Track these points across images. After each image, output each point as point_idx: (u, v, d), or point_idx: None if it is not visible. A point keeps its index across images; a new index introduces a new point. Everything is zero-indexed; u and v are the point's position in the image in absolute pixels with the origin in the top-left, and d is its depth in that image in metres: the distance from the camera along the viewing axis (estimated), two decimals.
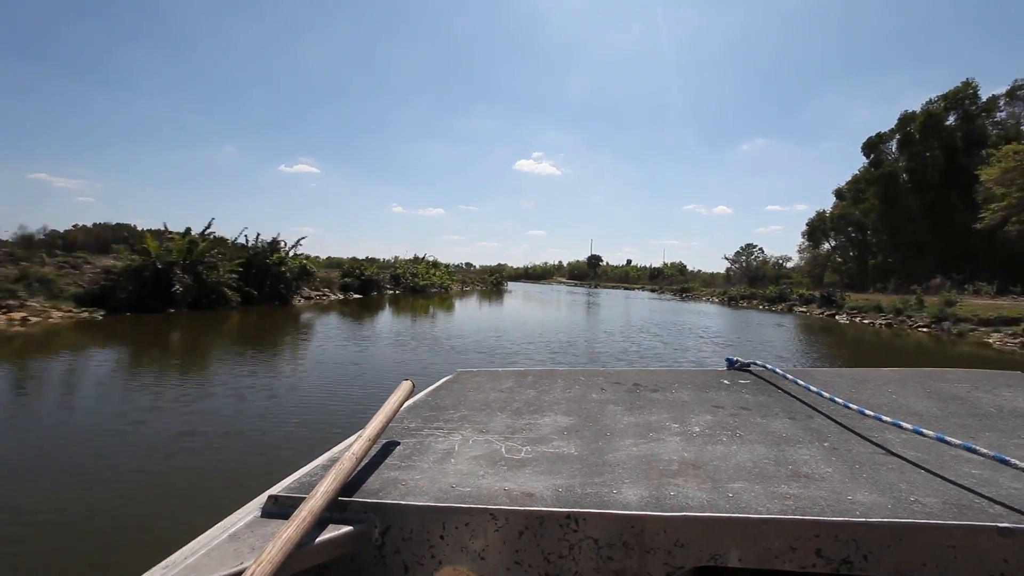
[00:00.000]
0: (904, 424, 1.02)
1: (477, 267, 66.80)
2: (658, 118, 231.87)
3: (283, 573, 0.62)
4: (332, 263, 35.01)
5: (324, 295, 25.24)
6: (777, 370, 1.50)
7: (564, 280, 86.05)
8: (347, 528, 0.76)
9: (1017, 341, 14.66)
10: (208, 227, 17.12)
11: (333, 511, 0.78)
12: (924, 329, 18.55)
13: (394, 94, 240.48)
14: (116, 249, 16.35)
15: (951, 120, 37.59)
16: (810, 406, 1.27)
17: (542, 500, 0.79)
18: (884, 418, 1.06)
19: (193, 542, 0.75)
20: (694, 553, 0.73)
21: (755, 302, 33.96)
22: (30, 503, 3.44)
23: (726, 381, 1.50)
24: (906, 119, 40.10)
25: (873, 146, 43.85)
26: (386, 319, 17.14)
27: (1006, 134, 33.32)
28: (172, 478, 3.91)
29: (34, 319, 11.72)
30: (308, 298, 23.37)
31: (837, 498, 0.78)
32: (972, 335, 16.52)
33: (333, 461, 0.86)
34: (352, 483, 0.85)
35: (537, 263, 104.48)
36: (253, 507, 0.84)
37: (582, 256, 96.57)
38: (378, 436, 0.94)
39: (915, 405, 1.28)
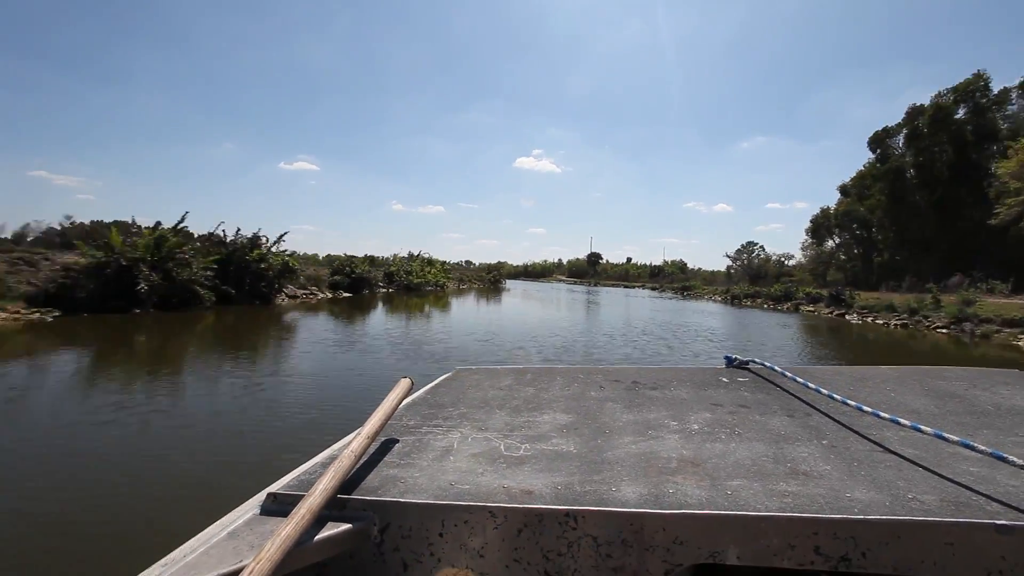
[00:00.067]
0: (902, 421, 1.01)
1: (477, 265, 65.55)
2: (658, 115, 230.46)
3: (282, 571, 0.62)
4: (332, 261, 33.92)
5: (312, 294, 24.18)
6: (776, 368, 1.50)
7: (564, 278, 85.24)
8: (346, 526, 0.76)
9: None
10: (181, 221, 16.04)
11: (332, 509, 0.78)
12: (943, 330, 17.50)
13: (394, 91, 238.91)
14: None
15: (961, 113, 36.47)
16: (809, 404, 1.26)
17: (541, 498, 0.79)
18: (882, 415, 1.05)
19: (192, 540, 0.74)
20: (693, 551, 0.73)
21: (759, 301, 32.93)
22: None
23: (725, 379, 1.50)
24: (914, 112, 39.00)
25: (879, 141, 42.77)
26: (369, 319, 16.10)
27: (1017, 128, 32.28)
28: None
29: None
30: (294, 297, 22.30)
31: (835, 495, 0.78)
32: (997, 337, 15.47)
33: (332, 459, 0.86)
34: (351, 481, 0.85)
35: (537, 261, 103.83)
36: (252, 505, 0.84)
37: (582, 254, 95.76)
38: (377, 434, 0.94)
39: (913, 403, 1.27)
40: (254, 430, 4.93)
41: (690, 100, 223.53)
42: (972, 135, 35.35)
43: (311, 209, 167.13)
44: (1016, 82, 33.99)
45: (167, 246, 14.50)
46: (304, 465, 0.96)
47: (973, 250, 34.88)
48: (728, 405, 1.26)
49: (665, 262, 76.78)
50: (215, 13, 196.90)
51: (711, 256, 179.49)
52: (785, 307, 28.99)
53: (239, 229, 18.92)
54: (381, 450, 0.99)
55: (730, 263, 61.42)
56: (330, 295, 25.10)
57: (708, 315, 23.33)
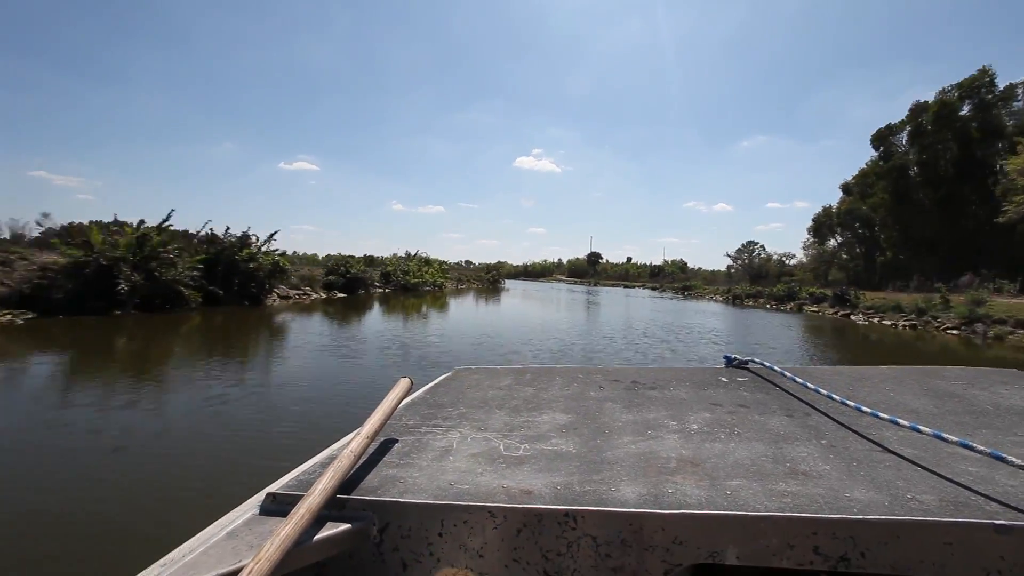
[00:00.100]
0: (901, 421, 1.01)
1: (477, 265, 65.00)
2: (658, 115, 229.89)
3: (281, 571, 0.62)
4: (329, 261, 33.38)
5: (305, 294, 23.65)
6: (775, 368, 1.49)
7: (563, 278, 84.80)
8: (345, 526, 0.76)
9: None
10: (166, 219, 15.47)
11: (331, 509, 0.77)
12: (953, 332, 16.96)
13: (394, 91, 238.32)
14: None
15: (966, 110, 35.92)
16: (808, 404, 1.26)
17: (540, 498, 0.79)
18: (881, 415, 1.05)
19: (192, 540, 0.74)
20: (692, 551, 0.73)
21: (761, 301, 32.39)
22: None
23: (724, 379, 1.49)
24: (918, 109, 38.49)
25: (883, 138, 42.25)
26: (359, 321, 15.57)
27: (1022, 125, 31.76)
28: None
29: None
30: (286, 297, 21.77)
31: (835, 495, 0.78)
32: (1011, 338, 14.94)
33: (331, 459, 0.86)
34: (350, 481, 0.84)
35: (537, 261, 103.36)
36: (251, 505, 0.83)
37: (582, 253, 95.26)
38: (376, 434, 0.94)
39: (912, 403, 1.27)
40: (191, 455, 4.39)
41: (690, 99, 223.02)
42: (977, 132, 34.83)
43: (311, 209, 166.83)
44: (1023, 78, 33.50)
45: (150, 245, 13.95)
46: (303, 465, 0.95)
47: (978, 249, 34.41)
48: (727, 405, 1.26)
49: (665, 262, 76.37)
50: (215, 13, 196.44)
51: (711, 256, 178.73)
52: (788, 307, 28.46)
53: (228, 228, 18.38)
54: (380, 450, 0.99)
55: (731, 263, 61.04)
56: (324, 296, 24.56)
57: (710, 316, 22.80)
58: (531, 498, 0.78)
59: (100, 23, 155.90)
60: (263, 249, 19.07)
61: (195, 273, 15.56)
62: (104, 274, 12.80)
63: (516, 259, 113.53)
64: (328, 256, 43.75)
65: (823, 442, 1.01)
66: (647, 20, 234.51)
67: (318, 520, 0.73)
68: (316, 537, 0.72)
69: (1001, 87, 34.23)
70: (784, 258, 56.73)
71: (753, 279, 47.09)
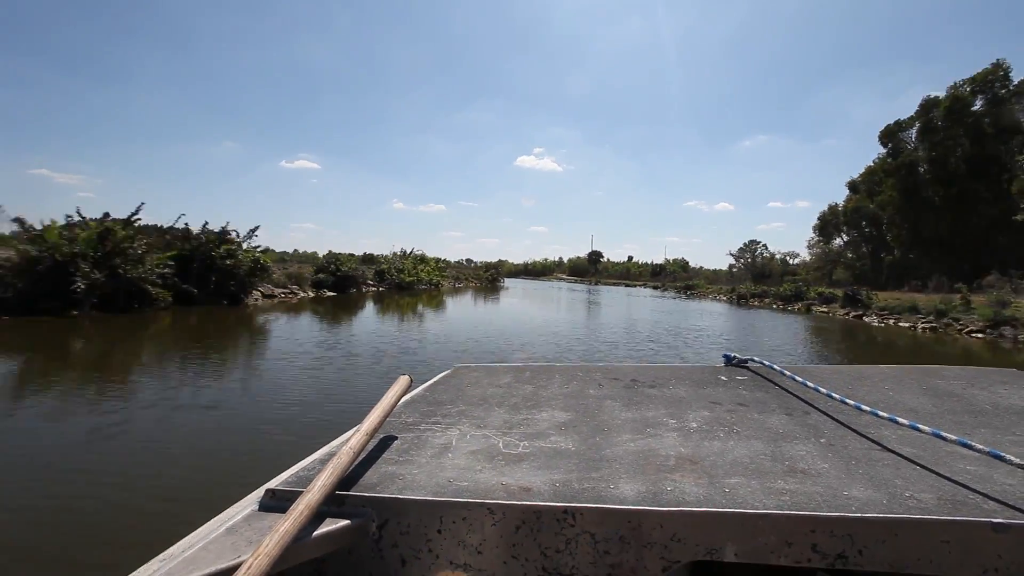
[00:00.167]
0: (900, 420, 1.01)
1: (478, 263, 63.99)
2: (659, 114, 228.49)
3: (280, 567, 0.62)
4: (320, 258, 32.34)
5: (292, 293, 22.62)
6: (775, 366, 1.49)
7: (564, 277, 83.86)
8: (344, 522, 0.76)
9: None
10: (135, 213, 14.37)
11: (330, 505, 0.78)
12: (978, 335, 15.88)
13: (395, 90, 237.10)
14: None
15: (978, 105, 34.78)
16: (807, 402, 1.26)
17: (539, 495, 0.79)
18: (880, 414, 1.06)
19: (190, 535, 0.74)
20: (691, 548, 0.73)
21: (767, 300, 31.30)
22: None
23: (723, 377, 1.50)
24: (928, 104, 37.34)
25: (891, 134, 41.11)
26: (342, 321, 14.51)
27: None
28: None
29: None
30: (271, 296, 20.72)
31: (833, 494, 0.78)
32: None
33: (330, 455, 0.86)
34: (349, 477, 0.84)
35: (537, 259, 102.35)
36: (250, 501, 0.83)
37: (583, 252, 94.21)
38: (375, 431, 0.94)
39: (911, 402, 1.27)
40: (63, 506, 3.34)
41: (691, 98, 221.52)
42: (990, 127, 33.70)
43: (312, 208, 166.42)
44: None
45: (113, 240, 12.86)
46: (303, 461, 0.95)
47: (990, 247, 33.34)
48: (727, 403, 1.26)
49: (667, 261, 75.43)
50: (216, 12, 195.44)
51: (713, 255, 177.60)
52: (796, 308, 27.37)
53: (207, 223, 17.30)
54: (380, 447, 0.99)
55: (733, 262, 60.05)
56: (312, 294, 23.52)
57: (716, 317, 21.73)
58: (530, 495, 0.79)
59: (102, 22, 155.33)
60: (244, 245, 17.98)
61: (165, 271, 14.48)
62: (60, 271, 11.72)
63: (517, 258, 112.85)
64: (329, 253, 42.62)
65: (822, 440, 1.02)
66: (648, 19, 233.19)
67: (317, 516, 0.73)
68: (315, 533, 0.72)
69: (1020, 79, 32.99)
70: (788, 257, 55.83)
71: (756, 278, 46.06)
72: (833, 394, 1.18)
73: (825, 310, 25.15)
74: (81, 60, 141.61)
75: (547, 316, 19.35)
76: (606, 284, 63.26)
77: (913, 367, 1.61)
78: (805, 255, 52.12)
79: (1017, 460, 0.81)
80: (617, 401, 1.27)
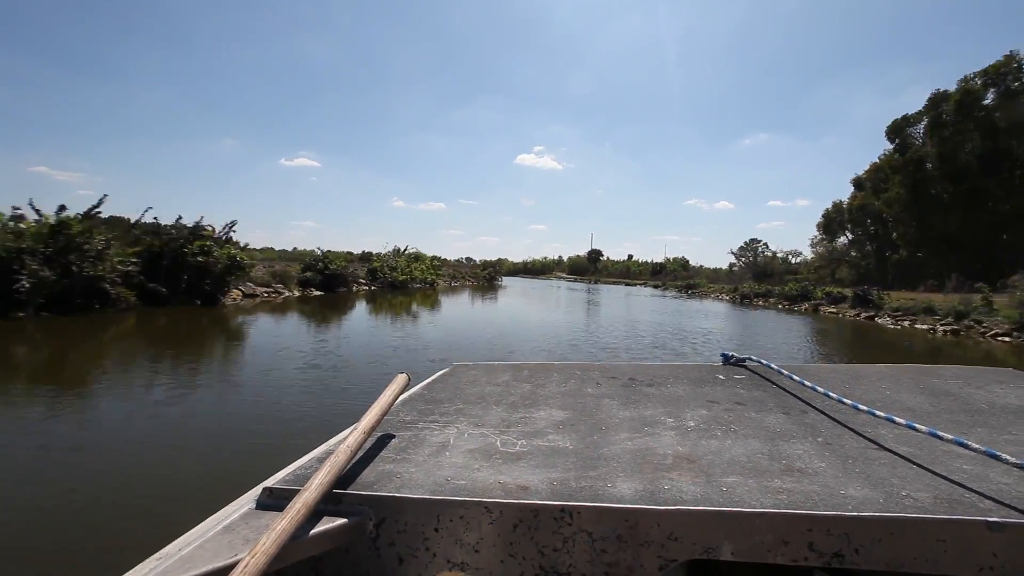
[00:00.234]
0: (897, 419, 1.02)
1: (478, 261, 62.98)
2: (659, 112, 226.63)
3: (277, 565, 0.62)
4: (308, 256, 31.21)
5: (276, 292, 21.55)
6: (772, 365, 1.51)
7: (564, 275, 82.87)
8: (342, 520, 0.76)
9: None
10: (97, 205, 13.26)
11: (328, 503, 0.78)
12: (1004, 338, 14.84)
13: (395, 88, 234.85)
14: None
15: (990, 99, 33.69)
16: (804, 401, 1.27)
17: (537, 493, 0.79)
18: (877, 413, 1.06)
19: (187, 534, 0.74)
20: (687, 546, 0.74)
21: (772, 300, 30.23)
22: None
23: (721, 376, 1.51)
24: (937, 99, 36.25)
25: (898, 130, 40.02)
26: (320, 324, 13.45)
27: None
28: None
29: None
30: (252, 296, 19.67)
31: (830, 492, 0.78)
32: None
33: (328, 454, 0.85)
34: (347, 476, 0.84)
35: (537, 258, 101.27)
36: (248, 499, 0.83)
37: (583, 251, 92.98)
38: (373, 429, 0.94)
39: (908, 401, 1.28)
40: None
41: (691, 97, 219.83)
42: (1002, 121, 32.61)
43: (312, 205, 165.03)
44: None
45: (66, 235, 11.76)
46: (300, 460, 0.94)
47: (1001, 246, 32.33)
48: (724, 402, 1.26)
49: (667, 259, 74.42)
50: (216, 9, 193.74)
51: (713, 253, 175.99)
52: (803, 308, 26.32)
53: (180, 217, 16.21)
54: (377, 445, 0.98)
55: (734, 260, 59.04)
56: (298, 294, 22.46)
57: (722, 318, 20.70)
58: (527, 494, 0.78)
59: (101, 19, 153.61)
60: (225, 240, 16.88)
61: (129, 268, 13.39)
62: (2, 269, 10.65)
63: (517, 256, 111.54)
64: (329, 251, 41.47)
65: (819, 439, 1.02)
66: (648, 17, 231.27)
67: (314, 515, 0.73)
68: (312, 532, 0.72)
69: None
70: (790, 255, 54.80)
71: (757, 277, 45.01)
72: (830, 393, 1.19)
73: (834, 311, 24.09)
74: (80, 57, 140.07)
75: (543, 318, 18.28)
76: (606, 283, 62.18)
77: (910, 366, 1.62)
78: (807, 253, 51.13)
79: (1013, 459, 0.81)
80: (615, 400, 1.28)
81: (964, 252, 33.92)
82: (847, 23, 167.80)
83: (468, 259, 73.01)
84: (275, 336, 10.91)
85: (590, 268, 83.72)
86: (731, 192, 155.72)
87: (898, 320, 19.53)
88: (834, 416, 1.14)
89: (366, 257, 34.36)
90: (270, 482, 0.85)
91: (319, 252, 25.99)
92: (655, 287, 51.23)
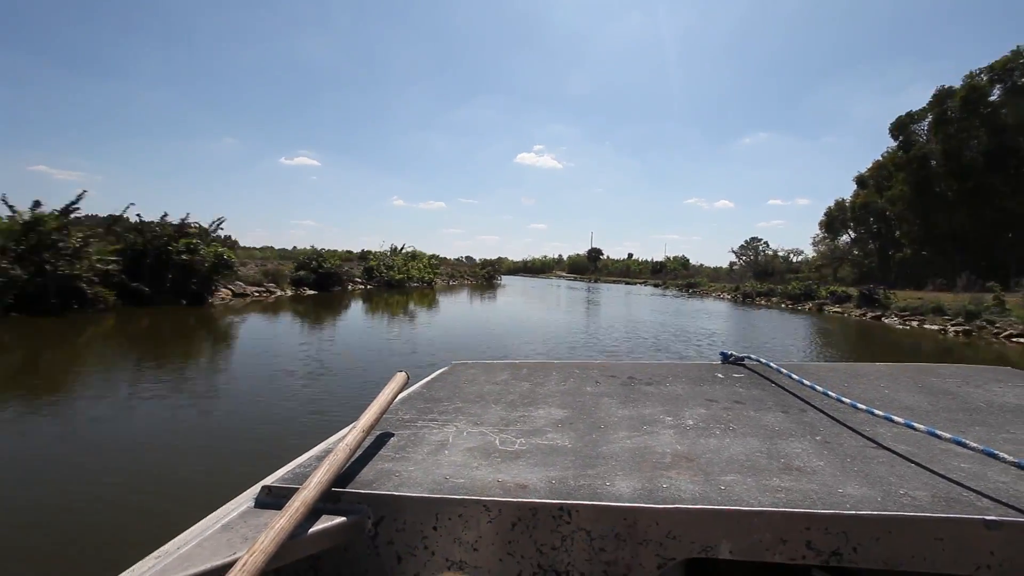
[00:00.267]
0: (895, 418, 1.01)
1: (477, 260, 62.52)
2: (659, 111, 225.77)
3: (276, 563, 0.63)
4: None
5: (268, 291, 21.03)
6: (771, 364, 1.50)
7: (564, 274, 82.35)
8: (340, 519, 0.76)
9: None
10: (75, 202, 12.72)
11: (327, 502, 0.78)
12: (1018, 339, 14.31)
13: (394, 87, 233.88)
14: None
15: (996, 95, 33.13)
16: (803, 400, 1.27)
17: (535, 492, 0.79)
18: (876, 412, 1.06)
19: (186, 532, 0.74)
20: (686, 545, 0.74)
21: (774, 300, 29.69)
22: None
23: (720, 375, 1.50)
24: (942, 95, 35.68)
25: (902, 127, 39.45)
26: (308, 325, 12.92)
27: None
28: None
29: None
30: (242, 295, 19.14)
31: (828, 491, 0.79)
32: None
33: (327, 452, 0.85)
34: (346, 474, 0.84)
35: (537, 257, 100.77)
36: (246, 497, 0.83)
37: (583, 250, 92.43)
38: (372, 427, 0.94)
39: (907, 399, 1.27)
40: None
41: (691, 96, 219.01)
42: (1009, 118, 32.06)
43: (312, 204, 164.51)
44: None
45: (39, 232, 11.22)
46: (299, 458, 0.94)
47: (1007, 244, 31.83)
48: (723, 401, 1.26)
49: (667, 258, 73.97)
50: (216, 9, 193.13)
51: (713, 252, 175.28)
52: (807, 307, 25.79)
53: (166, 214, 15.67)
54: (376, 444, 0.98)
55: (734, 259, 58.56)
56: (290, 293, 21.93)
57: (725, 319, 20.17)
58: (526, 492, 0.78)
59: (101, 19, 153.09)
60: (210, 238, 16.34)
61: (109, 267, 12.85)
62: None
63: (517, 255, 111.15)
64: (312, 250, 40.96)
65: (817, 438, 1.02)
66: (648, 16, 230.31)
67: (313, 513, 0.73)
68: (311, 530, 0.72)
69: None
70: (791, 254, 54.30)
71: (758, 276, 44.50)
72: (829, 392, 1.19)
73: (839, 310, 23.55)
74: (80, 57, 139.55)
75: (541, 318, 17.75)
76: (606, 282, 61.63)
77: (909, 365, 1.64)
78: (809, 252, 50.64)
79: (1010, 458, 0.81)
80: (614, 398, 1.28)
81: (969, 250, 33.42)
82: (847, 22, 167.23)
83: (468, 258, 72.66)
84: (259, 338, 10.39)
85: (590, 267, 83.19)
86: (731, 191, 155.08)
87: (906, 320, 19.00)
88: (833, 415, 1.14)
89: (365, 256, 33.86)
90: (269, 480, 0.84)
91: (309, 248, 25.45)
92: (655, 286, 50.69)
